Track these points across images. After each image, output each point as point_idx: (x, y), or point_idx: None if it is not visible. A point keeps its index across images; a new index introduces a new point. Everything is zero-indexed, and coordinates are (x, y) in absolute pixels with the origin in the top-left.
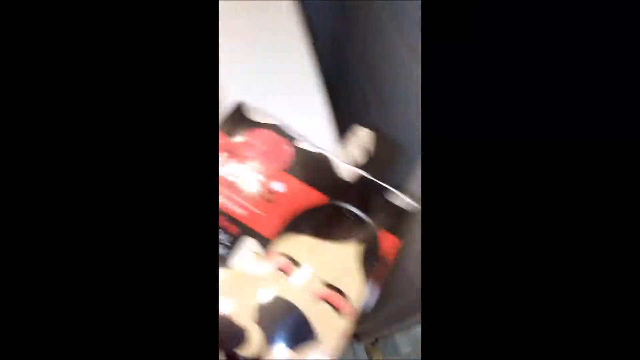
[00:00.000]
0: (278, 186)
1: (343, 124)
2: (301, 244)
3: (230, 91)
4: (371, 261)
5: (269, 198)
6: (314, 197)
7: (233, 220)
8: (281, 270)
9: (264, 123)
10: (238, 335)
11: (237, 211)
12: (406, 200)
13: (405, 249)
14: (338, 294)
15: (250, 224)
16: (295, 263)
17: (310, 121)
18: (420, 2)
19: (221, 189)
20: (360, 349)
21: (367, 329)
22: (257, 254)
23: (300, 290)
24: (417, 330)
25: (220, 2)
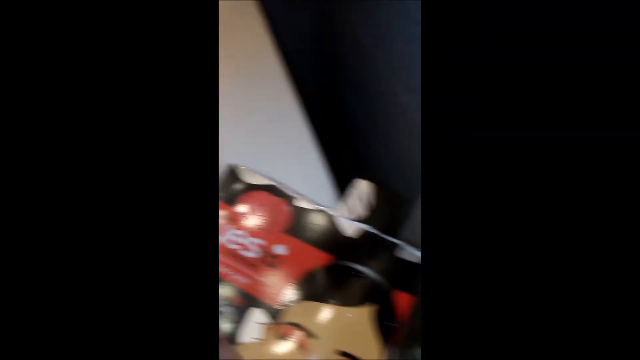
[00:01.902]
0: (280, 249)
1: (342, 178)
2: (310, 311)
3: (222, 155)
4: (386, 323)
5: (271, 263)
6: (318, 257)
7: (238, 290)
8: (293, 341)
9: (259, 185)
10: None
11: (241, 280)
12: (416, 253)
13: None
14: None
15: (255, 293)
16: (308, 332)
17: (308, 177)
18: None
19: (221, 258)
20: None
21: None
22: (267, 325)
23: None
24: None
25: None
